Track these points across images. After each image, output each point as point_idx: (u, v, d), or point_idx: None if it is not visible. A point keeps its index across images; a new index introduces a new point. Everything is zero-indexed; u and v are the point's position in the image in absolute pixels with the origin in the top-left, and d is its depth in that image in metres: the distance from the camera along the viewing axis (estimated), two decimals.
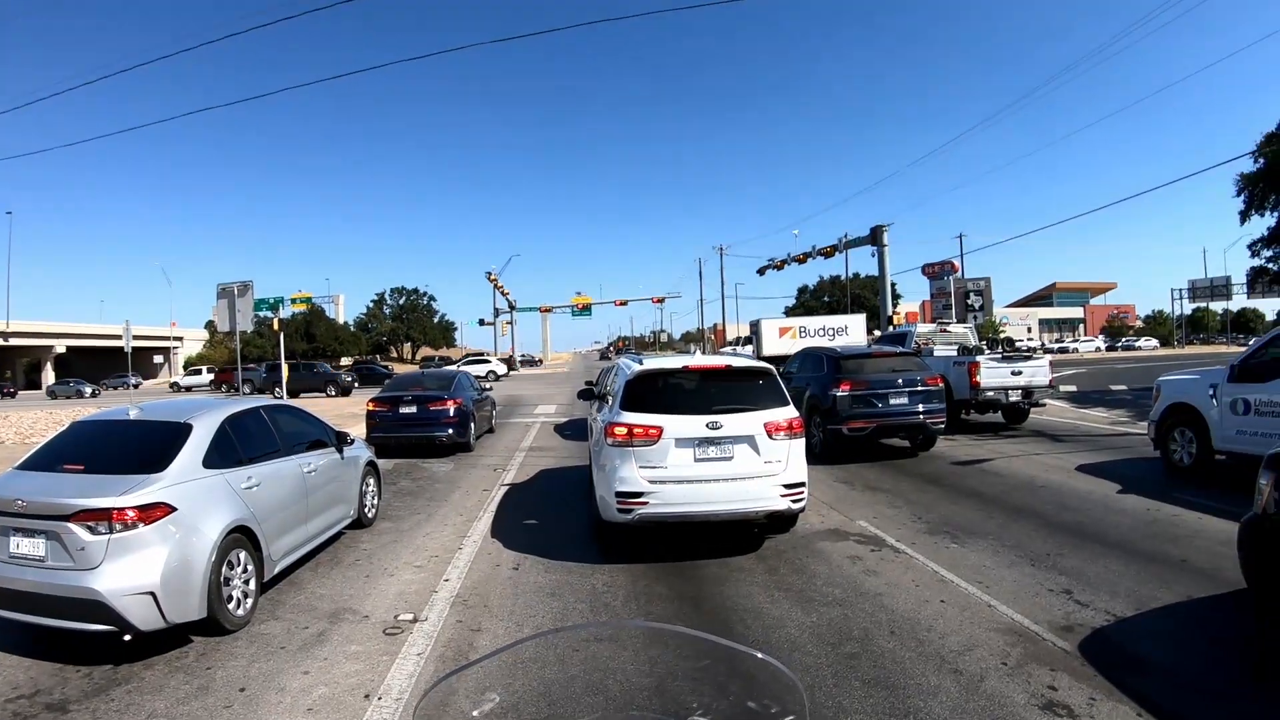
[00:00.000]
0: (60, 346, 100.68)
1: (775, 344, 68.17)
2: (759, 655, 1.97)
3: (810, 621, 6.95)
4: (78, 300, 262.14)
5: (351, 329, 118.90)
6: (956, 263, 60.33)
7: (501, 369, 74.95)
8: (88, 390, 72.80)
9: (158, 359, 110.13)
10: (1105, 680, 5.57)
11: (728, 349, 66.06)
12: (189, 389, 67.46)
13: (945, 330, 26.25)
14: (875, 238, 51.13)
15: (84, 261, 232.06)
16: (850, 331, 69.19)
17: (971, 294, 52.43)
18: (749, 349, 69.79)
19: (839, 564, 8.74)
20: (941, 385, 16.60)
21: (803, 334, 69.08)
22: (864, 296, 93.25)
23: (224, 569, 7.13)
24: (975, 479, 13.54)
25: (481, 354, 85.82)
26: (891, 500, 12.00)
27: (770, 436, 9.01)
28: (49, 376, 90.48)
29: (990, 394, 19.49)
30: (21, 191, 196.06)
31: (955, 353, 22.41)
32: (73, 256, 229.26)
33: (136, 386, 74.53)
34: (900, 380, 16.00)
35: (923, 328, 26.90)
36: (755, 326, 43.56)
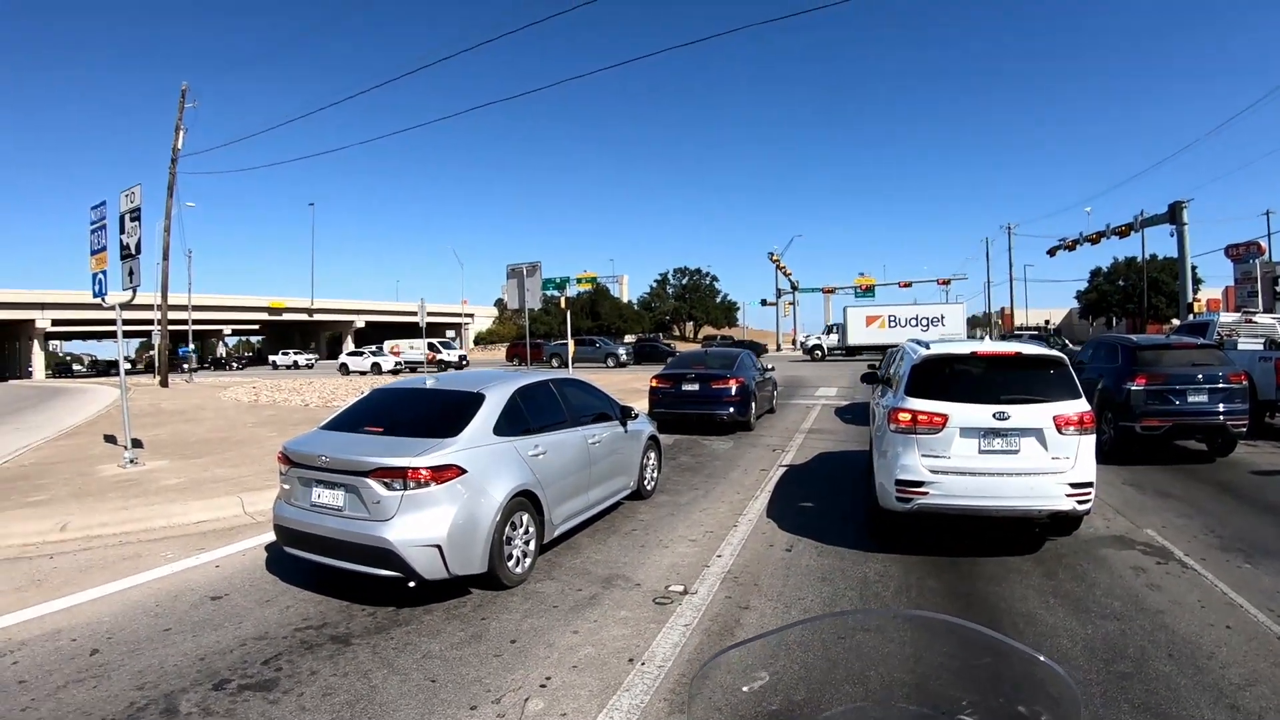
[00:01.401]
0: (360, 321, 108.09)
1: (862, 333, 65.65)
2: (1041, 658, 1.88)
3: (1084, 633, 6.61)
4: (377, 280, 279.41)
5: (635, 308, 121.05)
6: (1264, 244, 55.69)
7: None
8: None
9: (450, 333, 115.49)
10: None
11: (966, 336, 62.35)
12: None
13: (1251, 320, 24.05)
14: (1174, 215, 48.29)
15: (381, 246, 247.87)
16: (947, 321, 65.80)
17: None
18: (833, 338, 66.53)
19: (1121, 574, 8.23)
20: (1246, 383, 15.17)
21: (892, 323, 66.27)
22: (1162, 280, 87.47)
23: (506, 529, 7.47)
24: (1276, 492, 12.33)
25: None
26: (1183, 509, 11.14)
27: (1059, 431, 8.57)
28: (349, 347, 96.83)
29: None
30: (323, 185, 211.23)
31: (1261, 346, 20.67)
32: (371, 242, 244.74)
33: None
34: (1200, 376, 14.82)
35: (1226, 317, 24.84)
36: (843, 314, 41.39)
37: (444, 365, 59.09)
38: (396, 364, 61.37)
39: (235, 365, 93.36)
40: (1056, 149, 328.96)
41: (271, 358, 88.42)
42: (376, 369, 60.20)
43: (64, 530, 9.56)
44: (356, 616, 6.80)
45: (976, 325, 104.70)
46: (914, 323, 65.00)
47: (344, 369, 62.95)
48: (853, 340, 63.38)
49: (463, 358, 65.42)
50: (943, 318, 65.90)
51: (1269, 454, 15.74)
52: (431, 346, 61.32)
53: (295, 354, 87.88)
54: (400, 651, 6.07)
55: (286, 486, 7.63)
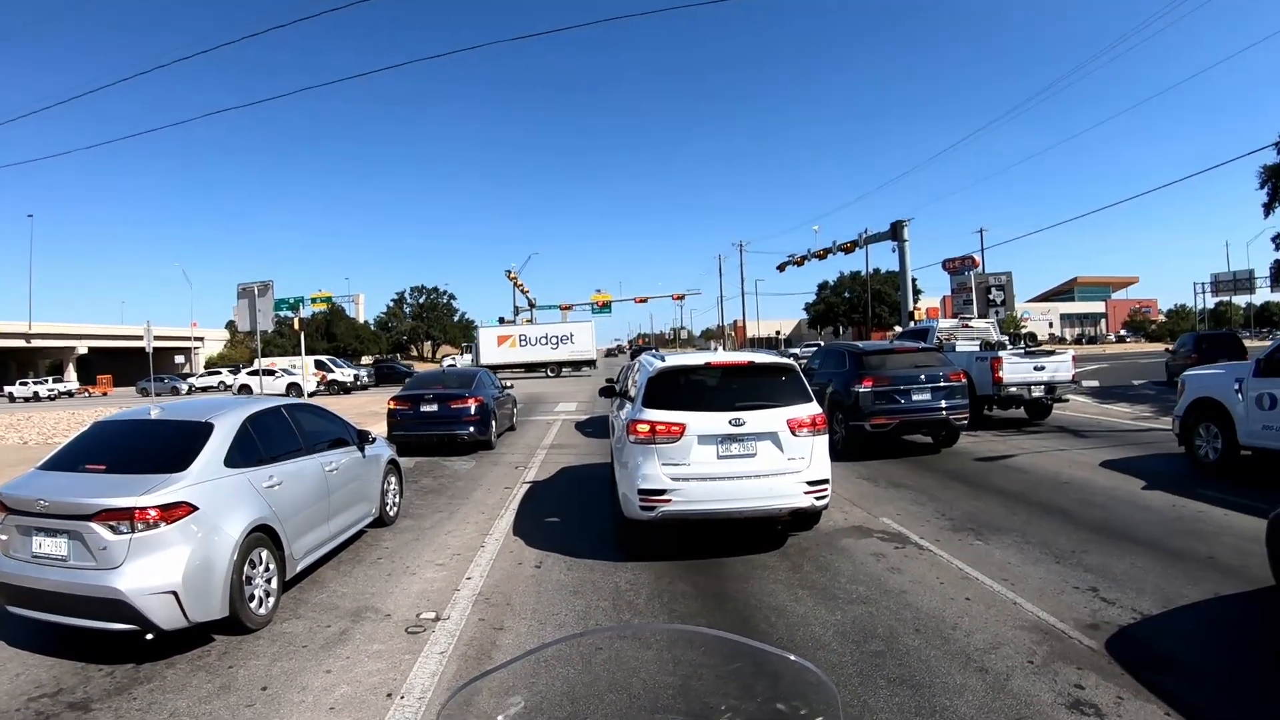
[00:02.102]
0: (82, 347, 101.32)
1: (494, 353, 69.99)
2: (790, 657, 1.93)
3: (834, 619, 6.92)
4: (100, 302, 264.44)
5: (372, 328, 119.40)
6: (977, 257, 59.91)
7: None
8: (184, 387, 70.43)
9: (179, 359, 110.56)
10: (1132, 679, 5.51)
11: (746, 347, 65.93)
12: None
13: (967, 325, 25.98)
14: (895, 233, 51.22)
15: (105, 264, 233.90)
16: (576, 339, 71.60)
17: (993, 289, 52.10)
18: (467, 358, 69.93)
19: (863, 561, 8.69)
20: (965, 381, 16.50)
21: (523, 342, 71.34)
22: (885, 292, 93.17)
23: (246, 568, 7.16)
24: (999, 475, 13.46)
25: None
26: (915, 497, 11.95)
27: (793, 433, 8.95)
28: (71, 376, 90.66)
29: (1013, 389, 19.32)
30: (42, 195, 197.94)
31: (977, 348, 22.30)
32: (93, 259, 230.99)
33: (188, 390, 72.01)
34: (923, 376, 15.95)
35: (945, 323, 26.61)
36: (474, 336, 43.68)
37: (337, 386, 56.21)
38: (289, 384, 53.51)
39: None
40: (786, 170, 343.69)
41: (9, 388, 77.19)
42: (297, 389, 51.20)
43: None
44: (94, 678, 6.32)
45: (711, 338, 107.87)
46: (543, 341, 70.06)
47: (244, 390, 54.27)
48: (485, 360, 65.73)
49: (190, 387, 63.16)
50: (572, 335, 70.81)
51: (989, 442, 17.27)
52: (321, 365, 57.96)
53: (36, 382, 77.95)
54: (145, 713, 5.70)
55: (4, 537, 6.99)
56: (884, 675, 5.71)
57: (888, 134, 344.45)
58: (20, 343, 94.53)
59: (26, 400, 71.62)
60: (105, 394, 78.11)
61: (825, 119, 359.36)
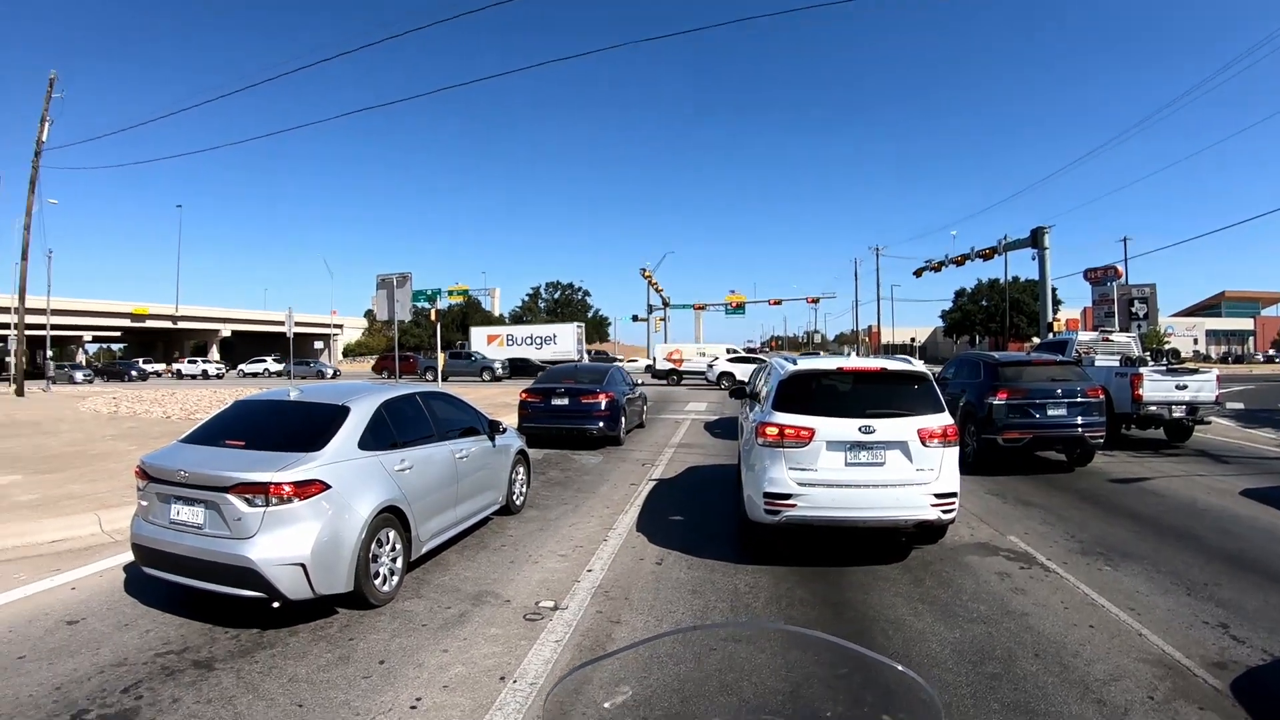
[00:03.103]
0: (226, 330, 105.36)
1: (484, 350, 70.70)
2: (899, 668, 1.93)
3: (953, 637, 6.80)
4: (244, 288, 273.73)
5: (507, 321, 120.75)
6: (1120, 268, 58.43)
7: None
8: (329, 372, 74.38)
9: (318, 345, 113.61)
10: None
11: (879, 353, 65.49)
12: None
13: (1108, 339, 25.07)
14: (1036, 240, 50.00)
15: (249, 254, 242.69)
16: (560, 340, 73.24)
17: (1135, 301, 50.66)
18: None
19: (986, 580, 8.51)
20: (1102, 397, 15.98)
21: (510, 342, 73.19)
22: (1023, 301, 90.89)
23: (373, 546, 7.38)
24: (1133, 498, 13.00)
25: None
26: (1044, 516, 11.62)
27: (924, 443, 8.81)
28: (214, 357, 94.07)
29: (1153, 409, 18.61)
30: (191, 187, 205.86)
31: (1117, 363, 21.59)
32: (238, 249, 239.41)
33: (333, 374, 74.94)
34: (1059, 390, 15.50)
35: (1084, 336, 25.80)
36: (466, 333, 43.81)
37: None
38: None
39: (133, 375, 77.17)
40: (924, 174, 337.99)
41: (176, 366, 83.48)
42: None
43: None
44: (219, 639, 6.62)
45: (845, 343, 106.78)
46: (528, 341, 73.39)
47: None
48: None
49: (335, 371, 65.36)
50: (555, 336, 73.72)
51: (1125, 463, 16.59)
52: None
53: (205, 362, 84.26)
54: (265, 675, 5.94)
55: (145, 503, 7.39)
56: (998, 699, 5.59)
57: (1030, 138, 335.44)
58: (167, 324, 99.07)
59: (194, 378, 75.50)
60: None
61: (967, 121, 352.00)
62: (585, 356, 68.50)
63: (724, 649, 2.42)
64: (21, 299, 39.44)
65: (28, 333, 42.62)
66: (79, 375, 67.13)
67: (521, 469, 11.88)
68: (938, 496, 8.78)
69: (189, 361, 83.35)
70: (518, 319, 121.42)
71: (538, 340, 72.43)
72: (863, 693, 2.01)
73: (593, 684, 1.99)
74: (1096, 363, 21.59)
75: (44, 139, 37.75)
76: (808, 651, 2.25)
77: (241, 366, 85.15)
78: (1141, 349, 25.72)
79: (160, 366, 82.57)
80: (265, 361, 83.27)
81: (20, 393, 39.09)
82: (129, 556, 8.09)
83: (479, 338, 73.60)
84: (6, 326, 51.48)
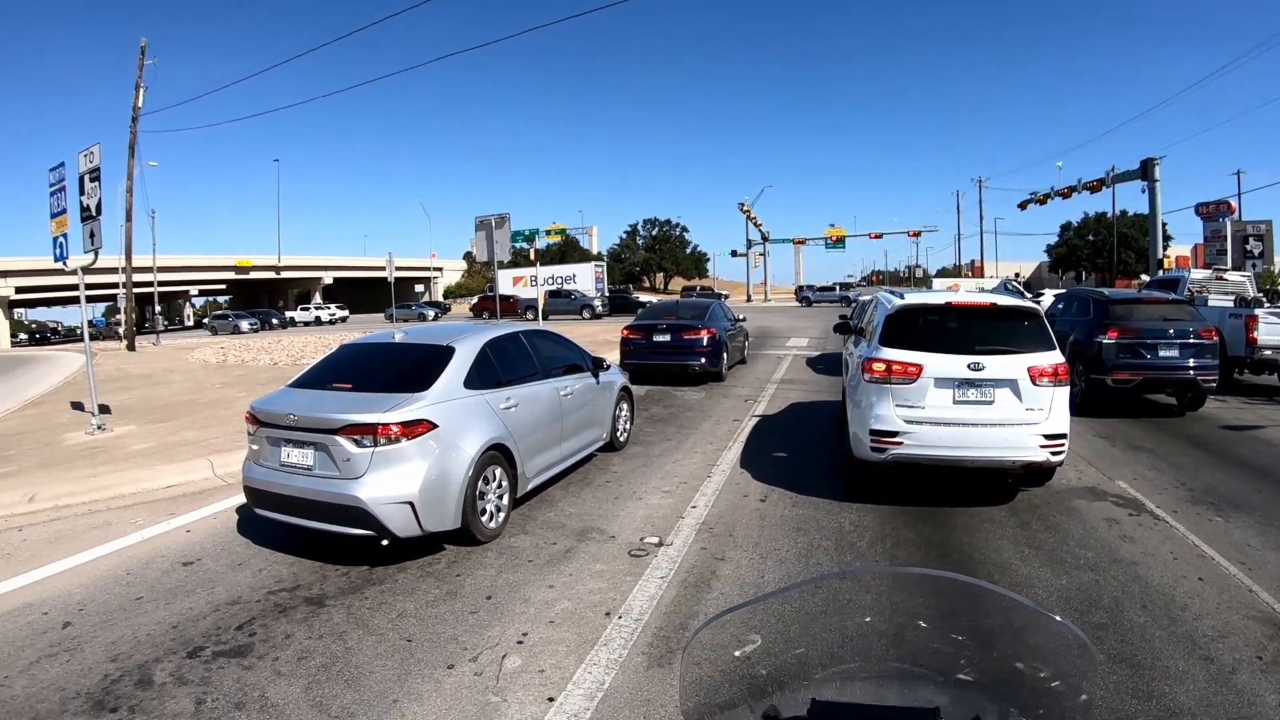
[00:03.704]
0: (328, 278, 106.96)
1: (510, 291, 72.00)
2: (1057, 617, 1.81)
3: (1059, 584, 6.66)
4: (343, 237, 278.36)
5: (605, 259, 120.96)
6: (1234, 203, 56.20)
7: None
8: (430, 314, 74.74)
9: (419, 288, 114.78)
10: None
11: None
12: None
13: (1221, 278, 24.06)
14: (1145, 172, 48.28)
15: (347, 202, 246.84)
16: (579, 280, 74.66)
17: (1251, 239, 48.47)
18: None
19: (1094, 525, 8.27)
20: (1216, 339, 15.27)
21: (533, 283, 74.28)
22: (1132, 236, 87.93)
23: (479, 484, 7.44)
24: (1246, 447, 12.43)
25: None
26: (1154, 462, 11.22)
27: (1034, 382, 8.58)
28: (318, 303, 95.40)
29: (1269, 353, 17.59)
30: (287, 141, 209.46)
31: (1231, 303, 20.66)
32: (336, 198, 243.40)
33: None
34: (1171, 330, 14.91)
35: (1197, 273, 24.85)
36: (494, 274, 43.96)
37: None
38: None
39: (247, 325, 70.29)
40: (1029, 104, 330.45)
41: (290, 314, 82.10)
42: None
43: (32, 501, 9.42)
44: (330, 577, 6.75)
45: (947, 276, 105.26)
46: (549, 282, 72.89)
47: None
48: (505, 293, 68.54)
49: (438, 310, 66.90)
50: (575, 276, 76.29)
51: (1238, 409, 15.80)
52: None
53: (319, 308, 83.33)
54: (375, 611, 6.04)
55: (255, 447, 7.54)
56: (1104, 650, 5.41)
57: (1139, 63, 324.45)
58: (270, 274, 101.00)
59: (307, 324, 75.68)
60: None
61: (1075, 45, 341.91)
62: (605, 293, 70.53)
63: (846, 595, 2.34)
64: (128, 258, 40.43)
65: (136, 290, 43.73)
66: (244, 324, 66.56)
67: (625, 406, 11.89)
68: (1047, 437, 8.55)
69: (300, 309, 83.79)
70: (616, 256, 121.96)
71: (558, 280, 74.12)
72: (997, 640, 1.92)
73: (727, 629, 1.94)
74: (1210, 302, 20.77)
75: (139, 104, 38.38)
76: (935, 596, 2.16)
77: (290, 314, 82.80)
78: (1257, 289, 24.82)
79: (298, 312, 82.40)
80: (316, 310, 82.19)
81: (131, 347, 40.17)
82: (241, 499, 8.26)
83: (505, 279, 74.77)
84: (116, 286, 52.93)
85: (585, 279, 74.69)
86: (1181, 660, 5.35)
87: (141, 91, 38.40)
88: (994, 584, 2.00)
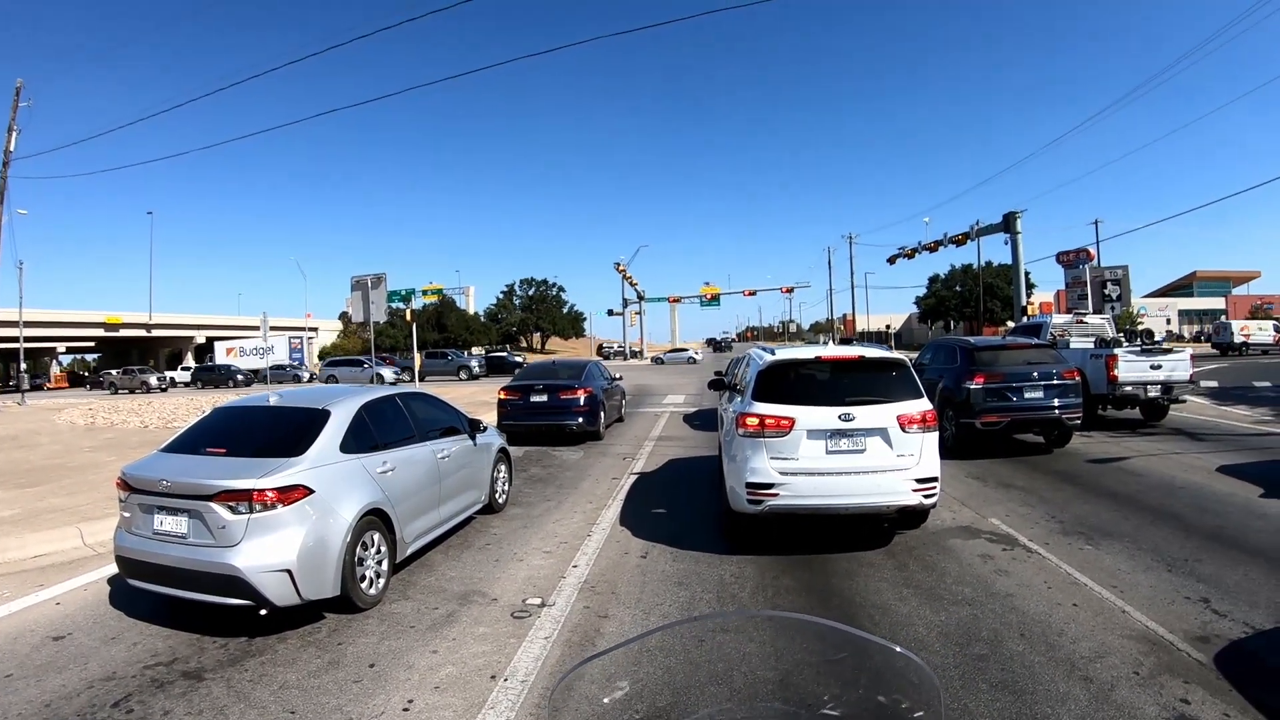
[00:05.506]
0: (200, 337, 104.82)
1: (225, 360, 77.40)
2: (896, 648, 1.94)
3: (939, 620, 6.87)
4: (218, 295, 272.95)
5: (482, 319, 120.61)
6: (1092, 250, 58.89)
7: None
8: (305, 375, 73.31)
9: (294, 345, 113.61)
10: (1241, 696, 5.34)
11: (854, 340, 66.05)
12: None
13: (1082, 321, 25.21)
14: (1008, 225, 50.64)
15: (222, 258, 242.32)
16: (277, 350, 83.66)
17: (1108, 283, 50.89)
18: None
19: (970, 562, 8.59)
20: (1078, 379, 16.13)
21: (241, 353, 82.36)
22: (997, 286, 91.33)
23: (358, 549, 7.39)
24: (1111, 478, 13.13)
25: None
26: (1025, 498, 11.73)
27: (903, 429, 8.88)
28: (189, 364, 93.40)
29: (1128, 389, 18.76)
30: (161, 193, 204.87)
31: (1092, 345, 21.62)
32: (211, 254, 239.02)
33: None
34: (1036, 373, 15.64)
35: (1058, 319, 25.94)
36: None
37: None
38: None
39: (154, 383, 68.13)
40: (897, 164, 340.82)
41: (169, 374, 77.22)
42: None
43: None
44: (208, 649, 6.61)
45: (819, 331, 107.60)
46: (254, 352, 79.12)
47: None
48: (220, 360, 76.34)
49: (311, 375, 66.21)
50: (273, 347, 77.07)
51: (1102, 444, 16.76)
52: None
53: (184, 369, 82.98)
54: (256, 684, 5.94)
55: (127, 514, 7.36)
56: (986, 679, 5.65)
57: (1000, 123, 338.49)
58: (141, 332, 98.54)
59: (187, 385, 73.12)
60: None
61: (937, 108, 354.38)
62: (304, 363, 75.57)
63: (713, 640, 2.46)
64: None
65: (0, 346, 42.27)
66: (152, 380, 65.51)
67: (503, 467, 11.91)
68: (919, 482, 8.86)
69: (182, 369, 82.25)
70: (493, 316, 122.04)
71: (260, 351, 75.27)
72: (856, 675, 2.02)
73: (589, 680, 2.00)
74: (1072, 345, 21.70)
75: (11, 148, 37.33)
76: (796, 638, 2.26)
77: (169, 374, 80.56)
78: (1115, 330, 25.87)
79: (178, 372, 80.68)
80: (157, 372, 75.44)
81: None
82: (113, 569, 8.08)
83: (220, 350, 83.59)
84: None
85: (281, 348, 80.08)
86: (1062, 682, 5.62)
87: (14, 134, 37.32)
88: (850, 623, 2.11)
